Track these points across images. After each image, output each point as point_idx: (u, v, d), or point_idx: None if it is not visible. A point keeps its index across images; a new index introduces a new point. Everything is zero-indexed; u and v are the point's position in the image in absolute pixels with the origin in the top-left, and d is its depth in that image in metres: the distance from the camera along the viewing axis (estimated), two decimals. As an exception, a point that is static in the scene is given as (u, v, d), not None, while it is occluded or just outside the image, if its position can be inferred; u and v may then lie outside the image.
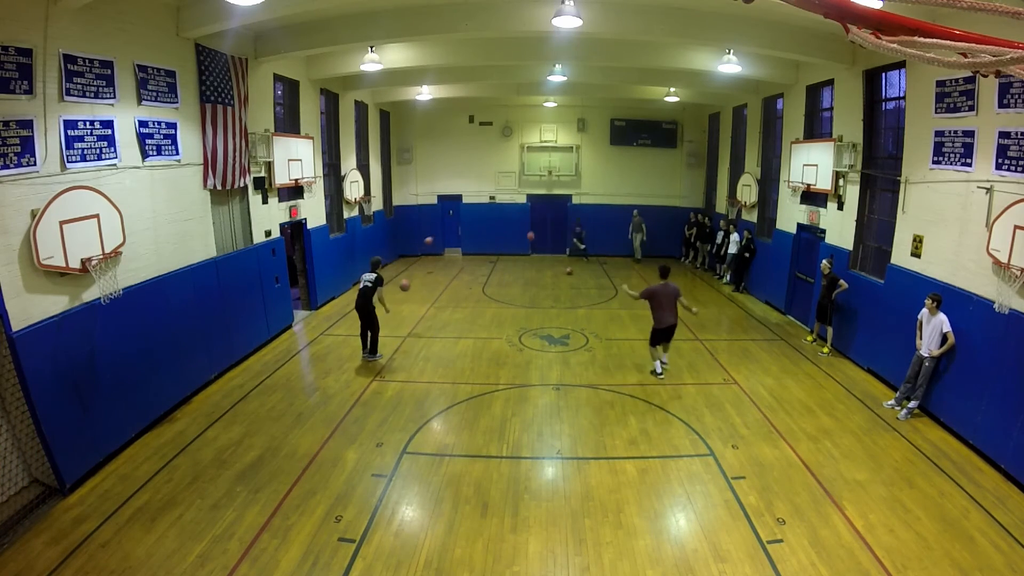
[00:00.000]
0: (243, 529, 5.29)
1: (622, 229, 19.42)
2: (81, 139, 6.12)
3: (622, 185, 19.70)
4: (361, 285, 9.60)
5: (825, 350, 10.22)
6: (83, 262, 5.98)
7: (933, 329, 7.32)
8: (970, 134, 7.19)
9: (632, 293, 9.23)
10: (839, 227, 10.73)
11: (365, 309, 9.56)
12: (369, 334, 9.71)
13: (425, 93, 15.42)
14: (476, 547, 5.10)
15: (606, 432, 7.27)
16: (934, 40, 2.50)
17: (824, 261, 10.16)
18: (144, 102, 7.12)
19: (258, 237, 10.20)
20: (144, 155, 7.17)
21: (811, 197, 11.76)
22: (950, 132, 7.55)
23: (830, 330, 10.19)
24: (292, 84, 11.61)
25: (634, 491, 5.97)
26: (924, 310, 7.46)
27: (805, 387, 8.77)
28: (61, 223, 5.73)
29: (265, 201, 10.48)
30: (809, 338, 10.96)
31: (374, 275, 9.61)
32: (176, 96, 7.71)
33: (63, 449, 5.76)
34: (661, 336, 9.03)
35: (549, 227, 19.84)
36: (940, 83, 7.61)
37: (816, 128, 11.98)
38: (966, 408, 7.01)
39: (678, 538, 5.30)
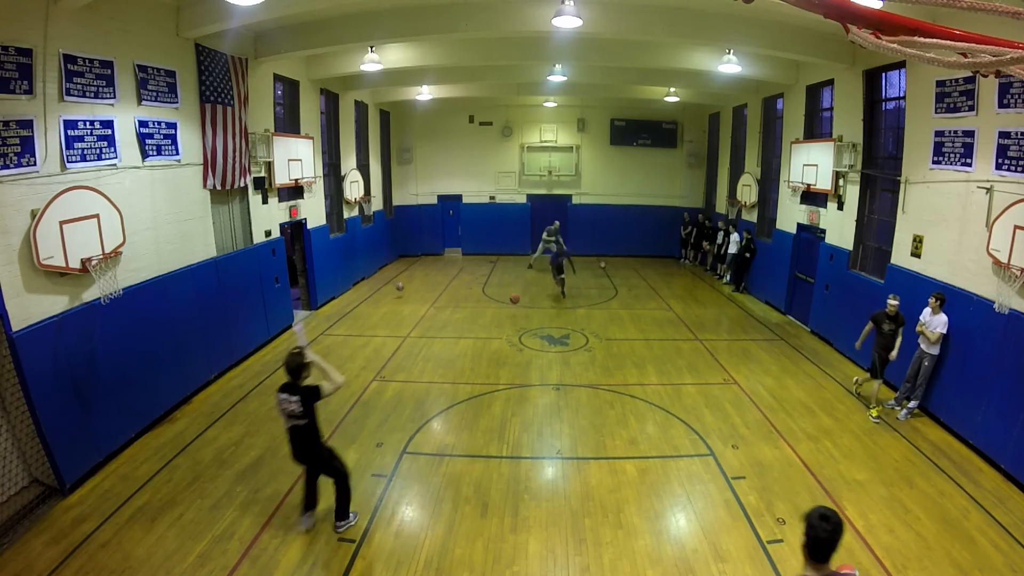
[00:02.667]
0: (243, 529, 5.29)
1: (622, 229, 19.43)
2: (81, 139, 6.12)
3: (622, 185, 19.70)
4: (287, 424, 4.99)
5: (875, 413, 7.66)
6: (83, 262, 5.98)
7: (933, 328, 7.31)
8: (970, 134, 7.19)
9: None
10: (839, 227, 10.74)
11: (311, 448, 5.12)
12: (334, 484, 5.31)
13: (425, 93, 15.40)
14: (476, 547, 5.10)
15: (606, 432, 7.27)
16: (934, 40, 2.51)
17: (891, 299, 7.59)
18: (144, 102, 7.12)
19: (258, 237, 10.19)
20: (144, 155, 7.17)
21: (811, 197, 11.76)
22: (950, 132, 7.55)
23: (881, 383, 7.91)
24: (292, 84, 11.60)
25: (634, 491, 5.97)
26: (927, 309, 7.45)
27: (805, 387, 8.77)
28: (61, 223, 5.73)
29: (265, 201, 10.47)
30: (875, 412, 7.65)
31: (296, 395, 4.85)
32: (176, 96, 7.71)
33: (63, 449, 5.76)
34: None
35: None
36: (940, 83, 7.61)
37: (816, 128, 11.98)
38: (966, 408, 7.01)
39: (678, 538, 5.30)
